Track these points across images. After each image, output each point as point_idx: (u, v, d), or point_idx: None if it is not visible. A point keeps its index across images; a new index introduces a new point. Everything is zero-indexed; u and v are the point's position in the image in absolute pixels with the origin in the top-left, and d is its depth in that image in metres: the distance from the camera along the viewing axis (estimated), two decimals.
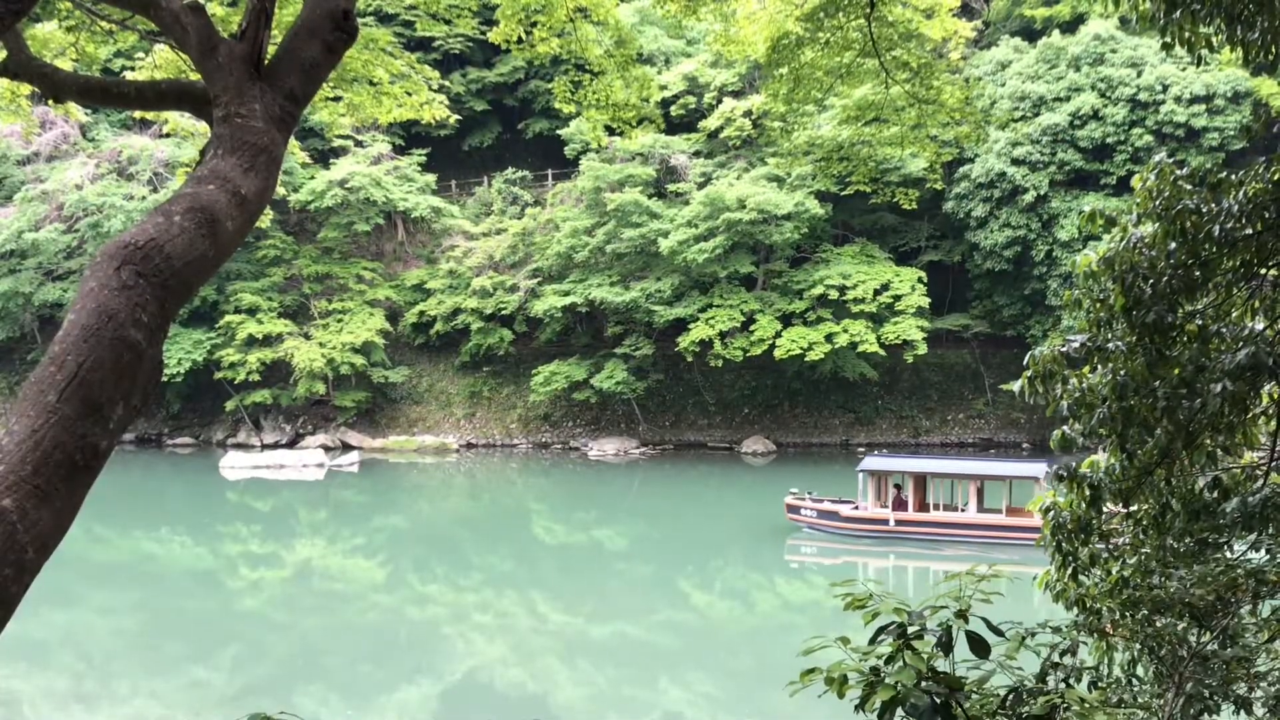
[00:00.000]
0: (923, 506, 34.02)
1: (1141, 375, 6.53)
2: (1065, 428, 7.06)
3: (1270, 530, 6.49)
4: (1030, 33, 57.36)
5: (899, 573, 32.14)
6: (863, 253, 54.07)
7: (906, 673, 3.91)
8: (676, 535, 37.42)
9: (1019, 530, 31.37)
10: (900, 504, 33.92)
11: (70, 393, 3.48)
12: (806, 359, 50.81)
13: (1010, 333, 53.87)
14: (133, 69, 16.47)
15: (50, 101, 6.19)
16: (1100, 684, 6.26)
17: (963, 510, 33.61)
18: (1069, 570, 7.12)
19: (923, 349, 50.82)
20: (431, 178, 63.83)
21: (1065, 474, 7.09)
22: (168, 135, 58.05)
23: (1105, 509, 7.06)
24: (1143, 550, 6.89)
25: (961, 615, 4.22)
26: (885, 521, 33.67)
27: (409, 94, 15.35)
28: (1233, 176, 6.48)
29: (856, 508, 34.27)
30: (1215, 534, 6.74)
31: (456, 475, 51.98)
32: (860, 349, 50.53)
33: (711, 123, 55.45)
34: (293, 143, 16.73)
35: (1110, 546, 7.21)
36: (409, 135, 64.30)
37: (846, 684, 4.00)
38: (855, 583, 4.47)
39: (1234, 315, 6.81)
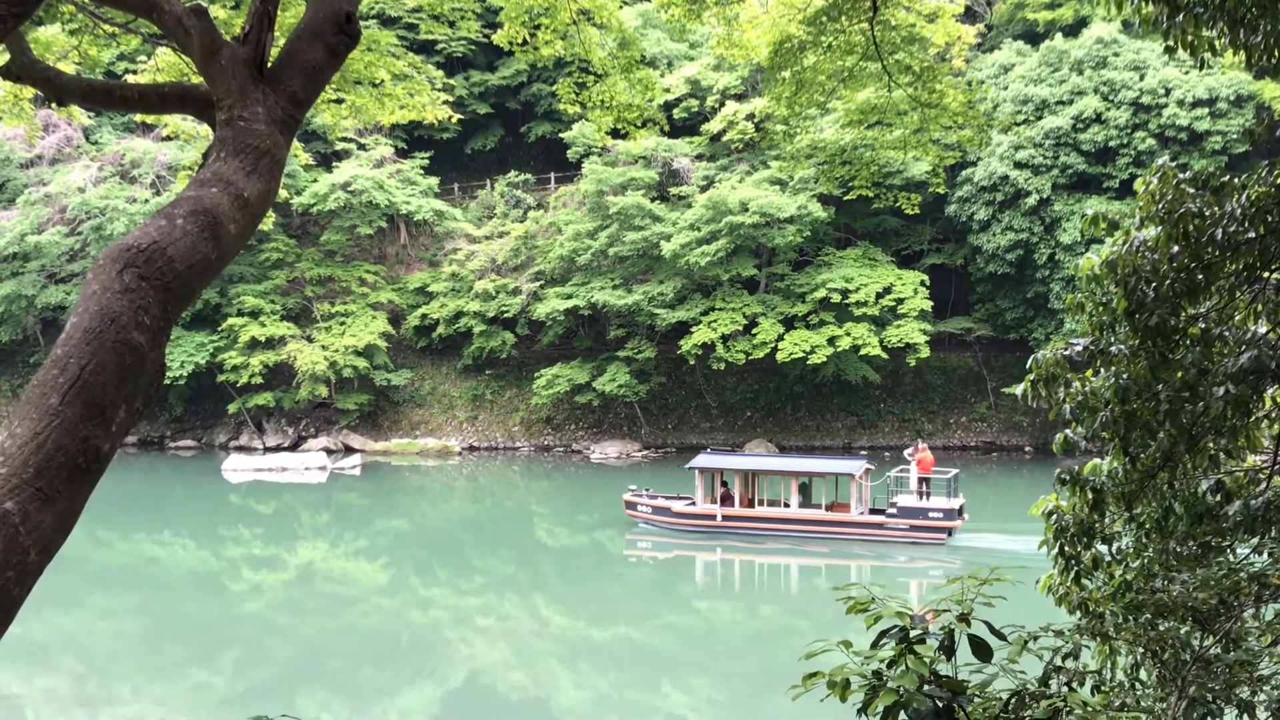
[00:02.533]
0: (748, 502, 35.42)
1: (1144, 379, 6.53)
2: (1068, 431, 7.06)
3: (1273, 533, 6.49)
4: (1033, 36, 57.36)
5: (726, 565, 33.82)
6: (865, 256, 54.05)
7: (909, 676, 3.91)
8: None
9: (837, 525, 33.78)
10: (728, 500, 35.30)
11: (73, 395, 3.48)
12: (809, 362, 50.80)
13: (1013, 336, 53.84)
14: (135, 72, 16.50)
15: (53, 105, 6.20)
16: (1103, 688, 6.25)
17: (786, 506, 34.97)
18: (1072, 574, 7.11)
19: (925, 352, 50.80)
20: (434, 181, 63.88)
21: (1068, 478, 7.09)
22: (170, 138, 58.11)
23: (1108, 512, 7.06)
24: (1145, 554, 6.88)
25: (964, 619, 4.22)
26: (713, 517, 35.11)
27: (412, 95, 15.38)
28: (1235, 180, 6.48)
29: (692, 504, 35.61)
30: (1218, 537, 6.73)
31: (459, 478, 51.97)
32: (863, 352, 50.53)
33: (714, 126, 55.46)
34: (295, 145, 16.75)
35: (1113, 550, 7.21)
36: (411, 138, 64.38)
37: (849, 688, 4.00)
38: (857, 586, 4.47)
39: (1237, 319, 6.80)
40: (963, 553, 31.96)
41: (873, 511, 34.36)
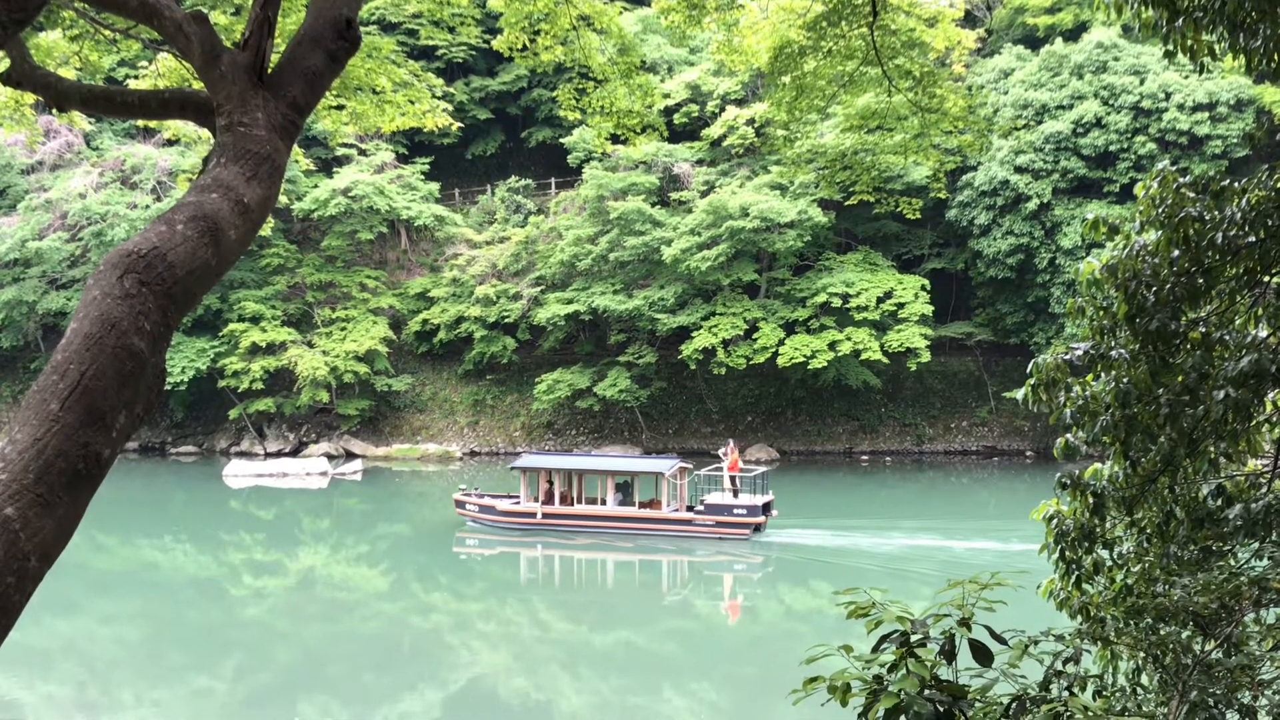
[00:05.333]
0: (567, 500, 36.73)
1: (1145, 383, 6.52)
2: (1069, 435, 7.06)
3: (1274, 537, 6.49)
4: (1033, 41, 57.41)
5: (547, 561, 35.42)
6: (866, 260, 54.07)
7: (909, 681, 3.91)
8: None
9: (649, 522, 35.40)
10: (549, 498, 36.57)
11: (73, 401, 3.48)
12: (809, 367, 50.79)
13: (1013, 340, 53.85)
14: (136, 78, 16.52)
15: (54, 110, 6.21)
16: (1104, 692, 6.25)
17: (602, 504, 36.44)
18: (1073, 578, 7.11)
19: (926, 357, 50.80)
20: (435, 186, 63.93)
21: (1069, 482, 7.08)
22: (171, 144, 58.40)
23: (1109, 517, 7.06)
24: (1146, 558, 6.88)
25: (964, 623, 4.22)
26: (534, 515, 36.45)
27: (412, 102, 15.37)
28: (1235, 184, 6.48)
29: (517, 502, 36.98)
30: (1219, 541, 6.73)
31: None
32: (863, 357, 50.52)
33: (714, 131, 55.50)
34: (296, 151, 16.77)
35: (1114, 555, 7.20)
36: (412, 144, 64.45)
37: (850, 692, 4.00)
38: (858, 591, 4.47)
39: (1237, 322, 6.80)
40: (768, 548, 33.89)
41: (689, 509, 35.72)
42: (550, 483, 36.81)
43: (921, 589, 26.56)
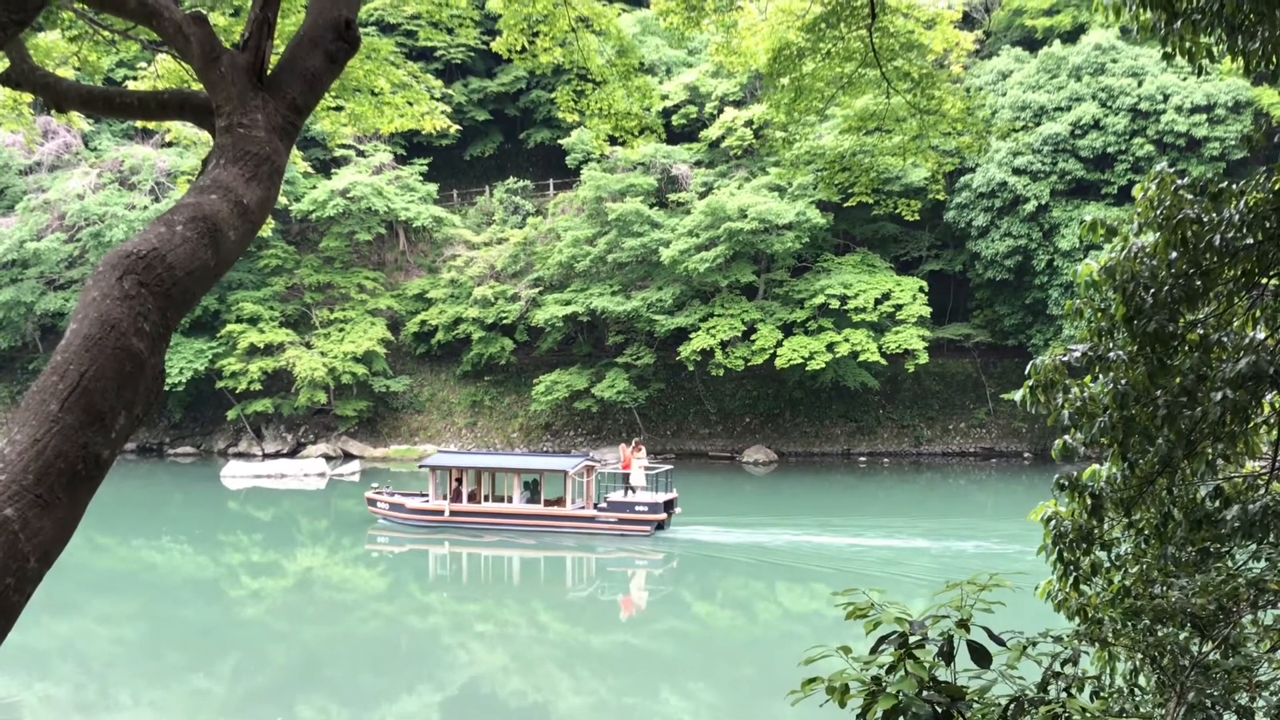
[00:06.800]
0: (476, 499, 37.53)
1: (1143, 384, 6.53)
2: (1067, 437, 7.06)
3: (1271, 539, 6.49)
4: (1031, 43, 57.46)
5: (454, 558, 36.04)
6: (864, 262, 54.09)
7: (908, 682, 3.91)
8: None
9: (554, 519, 36.38)
10: (457, 496, 37.33)
11: (72, 402, 3.48)
12: (808, 368, 50.81)
13: (1012, 342, 53.88)
14: (135, 78, 16.52)
15: (52, 111, 6.21)
16: (1102, 694, 6.25)
17: (509, 501, 37.35)
18: (1070, 579, 7.11)
19: (924, 358, 50.82)
20: (433, 187, 63.93)
21: (1067, 483, 7.09)
22: (170, 145, 58.35)
23: (1107, 518, 7.06)
24: (1144, 559, 6.88)
25: (963, 624, 4.22)
26: (441, 512, 37.33)
27: (410, 104, 15.37)
28: (1233, 186, 6.49)
29: (426, 500, 37.81)
30: (1217, 543, 6.73)
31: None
32: (861, 358, 50.55)
33: (713, 132, 55.52)
34: (294, 152, 16.77)
35: (1112, 556, 7.20)
36: (410, 145, 64.43)
37: (848, 693, 4.00)
38: (857, 592, 4.47)
39: (1235, 324, 6.81)
40: (668, 544, 34.70)
41: (596, 507, 36.54)
42: (459, 481, 37.51)
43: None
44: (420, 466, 39.06)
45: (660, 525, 35.45)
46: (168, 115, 5.72)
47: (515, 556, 35.33)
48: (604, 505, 36.35)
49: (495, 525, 36.86)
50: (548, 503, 37.06)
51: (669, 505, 36.02)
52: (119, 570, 35.04)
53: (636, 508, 35.65)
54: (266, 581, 33.36)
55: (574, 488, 36.54)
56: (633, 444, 39.59)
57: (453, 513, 37.15)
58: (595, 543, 35.37)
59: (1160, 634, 6.19)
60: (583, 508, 36.44)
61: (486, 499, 37.57)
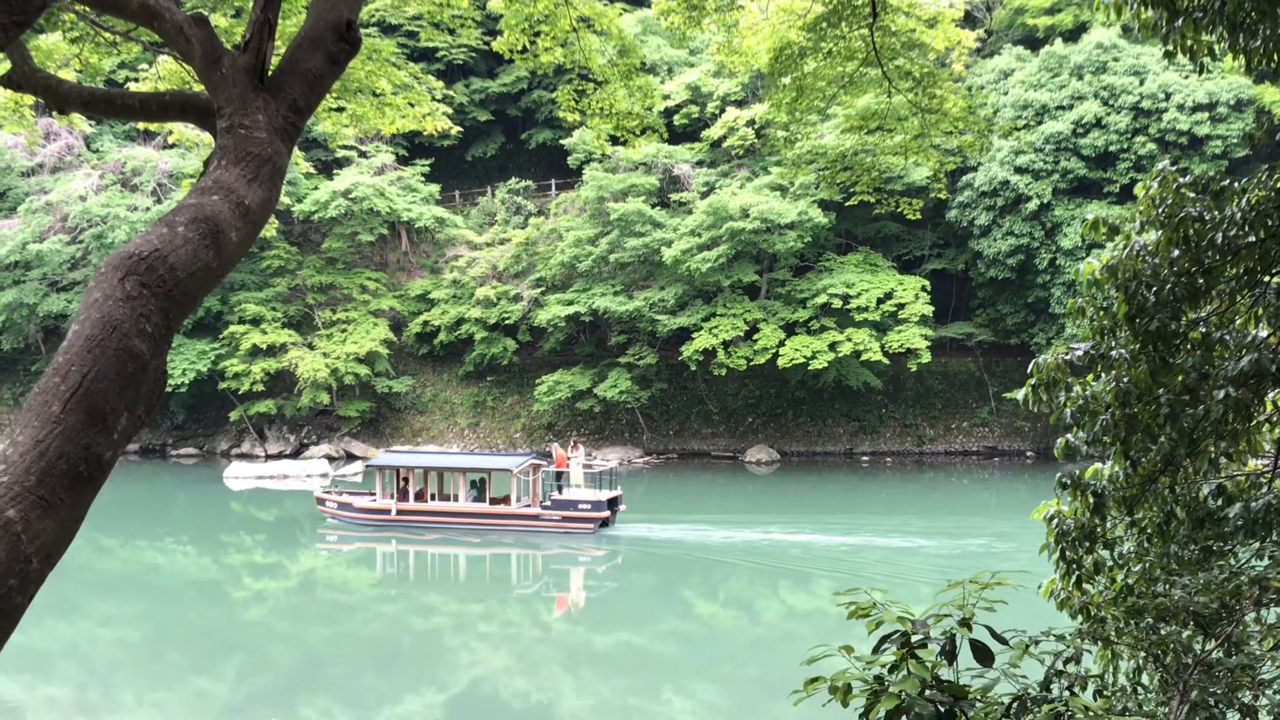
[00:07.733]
0: (423, 497, 38.04)
1: (1145, 383, 6.52)
2: (1069, 436, 7.05)
3: (1274, 537, 6.48)
4: (1033, 41, 57.42)
5: (401, 556, 36.34)
6: (866, 261, 54.09)
7: (910, 681, 3.91)
8: None
9: (499, 517, 36.84)
10: (404, 495, 37.78)
11: (74, 403, 3.48)
12: (810, 368, 50.81)
13: (1014, 341, 53.87)
14: (137, 80, 16.53)
15: (54, 113, 6.22)
16: (1105, 692, 6.25)
17: (455, 500, 37.90)
18: (1073, 578, 7.11)
19: (926, 357, 50.81)
20: (435, 188, 63.96)
21: (1069, 482, 7.08)
22: (172, 146, 58.40)
23: (1109, 517, 7.05)
24: (1147, 558, 6.87)
25: (965, 623, 4.22)
26: (388, 511, 37.70)
27: (412, 105, 15.37)
28: (1235, 184, 6.48)
29: (374, 499, 38.23)
30: (1219, 541, 6.72)
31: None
32: (864, 358, 50.54)
33: (714, 132, 55.51)
34: (296, 153, 16.78)
35: (1114, 555, 7.20)
36: (412, 145, 64.45)
37: (850, 693, 4.00)
38: (859, 592, 4.47)
39: (1237, 322, 6.80)
40: (615, 542, 35.15)
41: (543, 505, 36.98)
42: (406, 480, 37.92)
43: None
44: (367, 466, 39.60)
45: (604, 523, 35.93)
46: (169, 117, 5.72)
47: (461, 554, 35.76)
48: (548, 504, 36.80)
49: (441, 524, 37.27)
50: (493, 501, 37.44)
51: (613, 503, 36.48)
52: (121, 571, 35.06)
53: (580, 505, 36.08)
54: (269, 583, 33.38)
55: (519, 486, 36.98)
56: (571, 443, 40.28)
57: (399, 511, 37.55)
58: (539, 540, 35.70)
59: (1163, 632, 6.18)
60: (528, 506, 36.88)
61: (433, 498, 38.08)
